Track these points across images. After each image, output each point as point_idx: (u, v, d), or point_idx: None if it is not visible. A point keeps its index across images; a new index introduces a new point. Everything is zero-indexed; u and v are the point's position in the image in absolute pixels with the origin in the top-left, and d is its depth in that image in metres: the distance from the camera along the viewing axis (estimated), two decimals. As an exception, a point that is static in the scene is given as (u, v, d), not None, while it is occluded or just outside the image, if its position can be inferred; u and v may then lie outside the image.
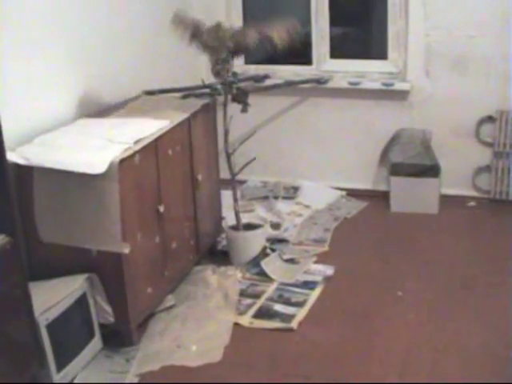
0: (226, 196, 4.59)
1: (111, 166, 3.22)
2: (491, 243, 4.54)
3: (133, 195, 3.42)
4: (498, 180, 5.06)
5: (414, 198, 5.05)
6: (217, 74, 4.01)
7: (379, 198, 5.26)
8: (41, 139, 3.52)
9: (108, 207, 3.27)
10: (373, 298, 3.93)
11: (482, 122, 5.02)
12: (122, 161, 3.28)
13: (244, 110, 4.20)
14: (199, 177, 4.13)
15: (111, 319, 3.44)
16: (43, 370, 3.09)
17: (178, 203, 3.96)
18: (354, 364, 3.39)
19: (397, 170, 5.05)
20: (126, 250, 3.34)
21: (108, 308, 3.42)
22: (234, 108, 4.22)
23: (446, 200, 5.08)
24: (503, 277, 4.07)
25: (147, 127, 3.68)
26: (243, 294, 3.97)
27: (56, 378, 3.14)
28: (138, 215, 3.49)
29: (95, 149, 3.36)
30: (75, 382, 3.25)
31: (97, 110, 4.12)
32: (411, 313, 3.76)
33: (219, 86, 4.20)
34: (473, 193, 5.20)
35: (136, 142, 3.47)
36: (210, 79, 4.30)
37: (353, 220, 5.03)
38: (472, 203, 5.15)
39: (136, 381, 3.27)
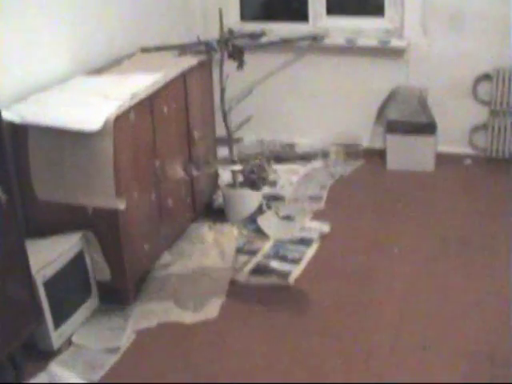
0: (222, 154, 4.60)
1: (106, 123, 3.20)
2: (487, 201, 4.56)
3: (128, 152, 3.41)
4: (495, 138, 5.05)
5: (410, 155, 5.05)
6: None
7: (375, 156, 5.25)
8: (36, 97, 3.50)
9: (103, 164, 3.26)
10: (369, 255, 3.95)
11: (479, 80, 4.99)
12: (117, 118, 3.26)
13: (240, 67, 4.17)
14: (195, 134, 4.12)
15: (108, 276, 3.45)
16: (40, 327, 3.10)
17: (174, 159, 3.95)
18: (350, 319, 3.42)
19: (393, 127, 5.04)
20: (122, 206, 3.34)
21: (105, 265, 3.42)
22: (230, 66, 4.20)
23: (442, 158, 5.08)
24: (499, 234, 4.09)
25: (142, 81, 3.67)
26: (239, 250, 3.99)
27: (53, 335, 3.16)
28: (134, 172, 3.48)
29: (90, 106, 3.35)
30: (72, 339, 3.28)
31: (93, 67, 4.08)
32: (407, 269, 3.79)
33: (215, 43, 4.17)
34: (469, 151, 5.19)
35: (132, 98, 3.45)
36: (206, 36, 4.27)
37: (349, 178, 5.03)
38: (468, 161, 5.15)
39: (133, 337, 3.30)
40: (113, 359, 3.16)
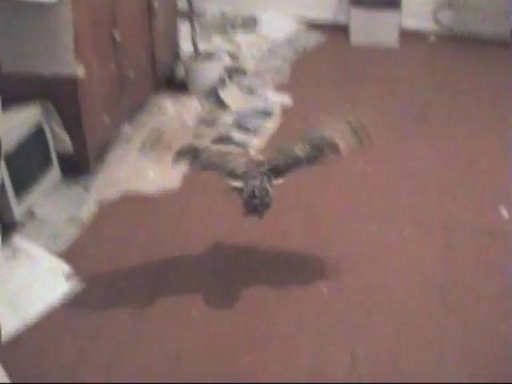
0: (184, 29, 4.51)
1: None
2: (449, 78, 4.56)
3: (87, 21, 3.32)
4: (460, 16, 4.99)
5: (374, 30, 4.99)
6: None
7: (339, 31, 5.18)
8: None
9: (62, 32, 3.18)
10: (330, 128, 3.95)
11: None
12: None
13: None
14: (155, 4, 4.02)
15: (69, 148, 3.42)
16: (3, 201, 3.10)
17: (134, 30, 3.87)
18: (310, 191, 3.46)
19: (357, 0, 4.96)
20: (81, 73, 3.28)
21: (65, 136, 3.39)
22: None
23: (406, 35, 5.03)
24: (458, 109, 4.13)
25: None
26: (201, 121, 3.97)
27: (15, 207, 3.16)
28: (93, 42, 3.40)
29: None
30: (35, 211, 3.27)
31: None
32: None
33: None
34: (434, 28, 5.14)
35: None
36: None
37: (312, 52, 4.98)
38: (433, 38, 5.10)
39: (95, 208, 3.31)
40: (75, 230, 3.18)
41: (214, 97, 4.16)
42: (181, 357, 2.56)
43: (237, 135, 3.84)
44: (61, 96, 3.33)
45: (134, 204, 3.36)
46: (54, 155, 3.43)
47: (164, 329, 2.69)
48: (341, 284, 2.86)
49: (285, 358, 2.56)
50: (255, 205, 2.72)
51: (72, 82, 3.29)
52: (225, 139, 3.81)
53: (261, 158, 2.91)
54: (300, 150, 2.72)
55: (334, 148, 2.69)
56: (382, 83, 4.46)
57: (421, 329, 2.66)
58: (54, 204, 3.35)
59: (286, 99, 4.18)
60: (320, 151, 2.71)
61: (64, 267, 2.94)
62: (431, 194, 3.40)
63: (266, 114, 4.02)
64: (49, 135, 3.36)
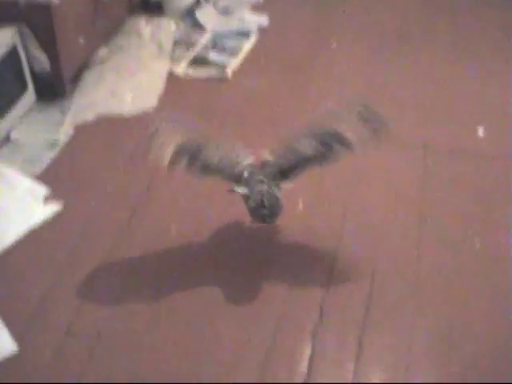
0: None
1: None
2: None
3: None
4: None
5: None
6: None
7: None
8: None
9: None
10: (307, 49, 3.92)
11: None
12: None
13: None
14: None
15: (46, 66, 3.36)
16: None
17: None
18: (288, 109, 3.44)
19: None
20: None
21: (41, 54, 3.32)
22: None
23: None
24: (437, 33, 4.06)
25: None
26: (177, 43, 3.92)
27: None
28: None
29: None
30: (11, 135, 3.26)
31: None
32: (346, 60, 3.80)
33: None
34: None
35: None
36: None
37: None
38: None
39: (71, 131, 3.29)
40: (52, 154, 3.16)
41: (189, 18, 4.10)
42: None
43: (213, 56, 3.80)
44: (35, 19, 3.27)
45: (110, 126, 3.34)
46: (28, 78, 3.38)
47: (143, 248, 2.71)
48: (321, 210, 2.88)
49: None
50: (263, 215, 2.47)
51: (46, 6, 3.23)
52: (201, 60, 3.78)
53: (267, 156, 2.56)
54: (306, 147, 2.44)
55: (344, 143, 2.39)
56: (360, 6, 4.37)
57: (396, 245, 2.71)
58: (30, 127, 3.32)
59: (263, 20, 4.12)
60: (329, 148, 2.41)
61: (41, 190, 2.94)
62: (410, 116, 3.39)
63: (243, 34, 3.97)
64: (23, 57, 3.31)
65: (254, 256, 2.67)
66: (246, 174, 2.46)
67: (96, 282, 2.58)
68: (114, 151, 3.21)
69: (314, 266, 2.62)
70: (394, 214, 2.85)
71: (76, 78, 3.58)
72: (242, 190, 2.45)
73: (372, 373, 2.29)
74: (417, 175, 3.02)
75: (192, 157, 2.42)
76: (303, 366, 2.27)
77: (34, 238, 2.75)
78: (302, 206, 2.85)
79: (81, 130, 3.31)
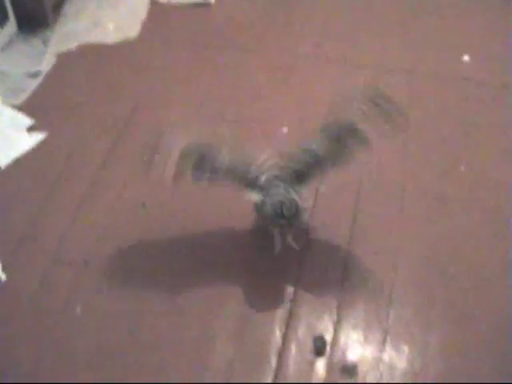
0: None
1: None
2: None
3: None
4: None
5: None
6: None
7: None
8: None
9: None
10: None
11: None
12: None
13: None
14: None
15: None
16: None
17: None
18: (273, 37, 3.42)
19: None
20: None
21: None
22: None
23: None
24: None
25: None
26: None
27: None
28: None
29: None
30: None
31: None
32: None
33: None
34: None
35: None
36: None
37: None
38: None
39: (54, 60, 3.25)
40: (35, 83, 3.13)
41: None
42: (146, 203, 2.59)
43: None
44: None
45: (93, 55, 3.30)
46: (10, 8, 3.33)
47: (128, 175, 2.70)
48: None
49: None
50: (281, 225, 2.21)
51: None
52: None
53: (281, 158, 2.24)
54: (319, 147, 2.14)
55: (359, 139, 2.11)
56: None
57: (379, 170, 2.70)
58: (12, 58, 3.28)
59: None
60: (343, 145, 2.12)
61: (25, 120, 2.92)
62: (395, 41, 3.37)
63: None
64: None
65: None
66: (262, 179, 2.18)
67: (81, 209, 2.58)
68: (97, 79, 3.18)
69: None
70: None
71: (58, 8, 3.52)
72: (256, 196, 2.19)
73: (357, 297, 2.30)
74: (400, 100, 2.99)
75: (199, 159, 2.15)
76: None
77: (19, 167, 2.74)
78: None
79: (63, 60, 3.26)
